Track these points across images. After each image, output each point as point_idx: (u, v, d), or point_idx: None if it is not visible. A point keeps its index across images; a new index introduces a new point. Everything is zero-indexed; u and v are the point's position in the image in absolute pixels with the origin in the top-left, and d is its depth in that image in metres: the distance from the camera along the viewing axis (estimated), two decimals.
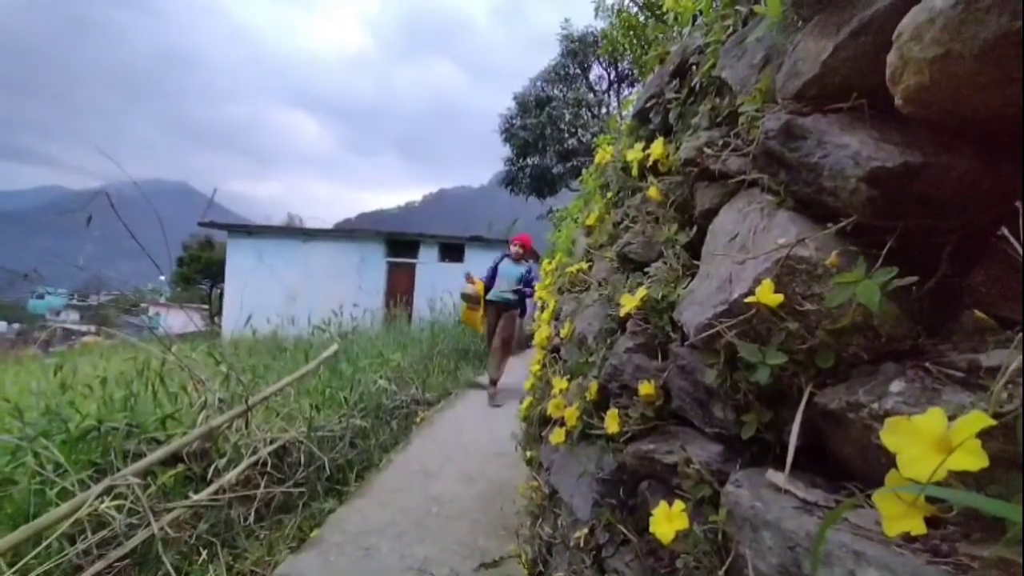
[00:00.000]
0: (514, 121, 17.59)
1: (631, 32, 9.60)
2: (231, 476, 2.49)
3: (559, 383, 1.71)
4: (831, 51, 0.74)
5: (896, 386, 0.63)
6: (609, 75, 17.70)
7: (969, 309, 0.64)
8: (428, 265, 14.29)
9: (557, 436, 1.60)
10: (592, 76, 18.09)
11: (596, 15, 10.63)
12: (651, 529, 0.91)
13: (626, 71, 16.45)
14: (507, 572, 2.14)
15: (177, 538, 2.15)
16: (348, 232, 16.16)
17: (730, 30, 1.23)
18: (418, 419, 4.63)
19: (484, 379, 6.08)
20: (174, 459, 2.41)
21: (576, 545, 1.39)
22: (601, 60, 16.88)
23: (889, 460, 0.53)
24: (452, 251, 14.41)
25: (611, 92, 17.88)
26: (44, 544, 1.79)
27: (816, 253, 0.75)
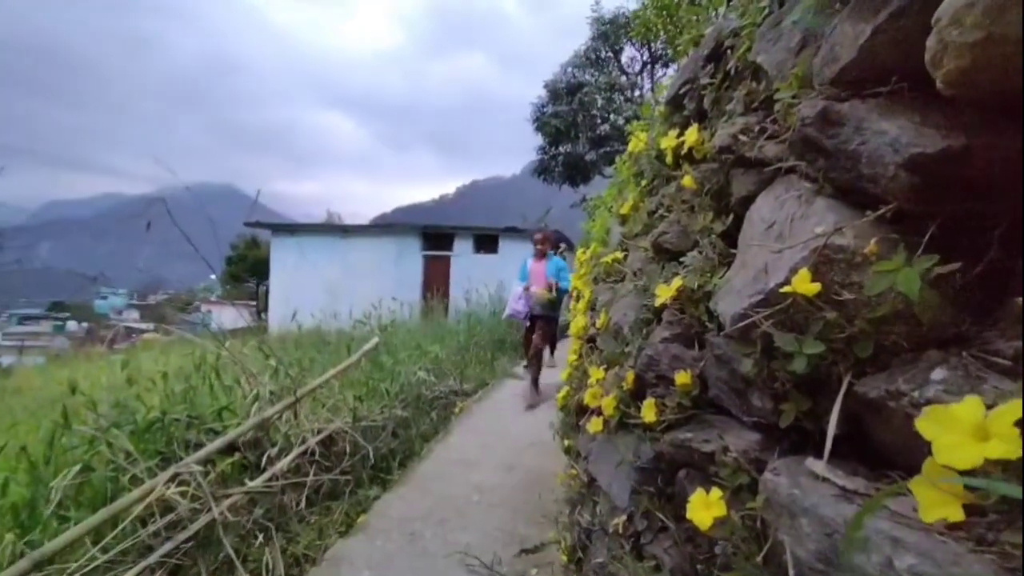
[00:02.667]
0: (545, 109, 17.43)
1: (664, 12, 9.34)
2: (283, 464, 2.62)
3: (596, 373, 1.73)
4: (870, 34, 0.72)
5: (938, 374, 0.62)
6: (642, 56, 17.27)
7: (1016, 296, 0.63)
8: (463, 257, 14.44)
9: (595, 425, 1.62)
10: (624, 58, 17.68)
11: None
12: (688, 516, 0.92)
13: (659, 51, 16.01)
14: (547, 558, 2.19)
15: (235, 522, 2.29)
16: (385, 227, 16.49)
17: (766, 12, 1.20)
18: (457, 409, 4.73)
19: (521, 369, 6.15)
20: (230, 448, 2.56)
21: (615, 532, 1.42)
22: (633, 42, 16.48)
23: (931, 449, 0.53)
24: (486, 242, 14.51)
25: (644, 74, 17.46)
26: (120, 526, 1.94)
27: (855, 241, 0.74)
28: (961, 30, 0.54)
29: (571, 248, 11.83)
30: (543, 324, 5.35)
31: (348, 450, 3.02)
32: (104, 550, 1.87)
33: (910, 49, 0.68)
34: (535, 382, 5.25)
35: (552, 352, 7.04)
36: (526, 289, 5.27)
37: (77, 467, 2.12)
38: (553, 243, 6.00)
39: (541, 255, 5.47)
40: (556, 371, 5.26)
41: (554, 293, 5.14)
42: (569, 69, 17.49)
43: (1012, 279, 0.66)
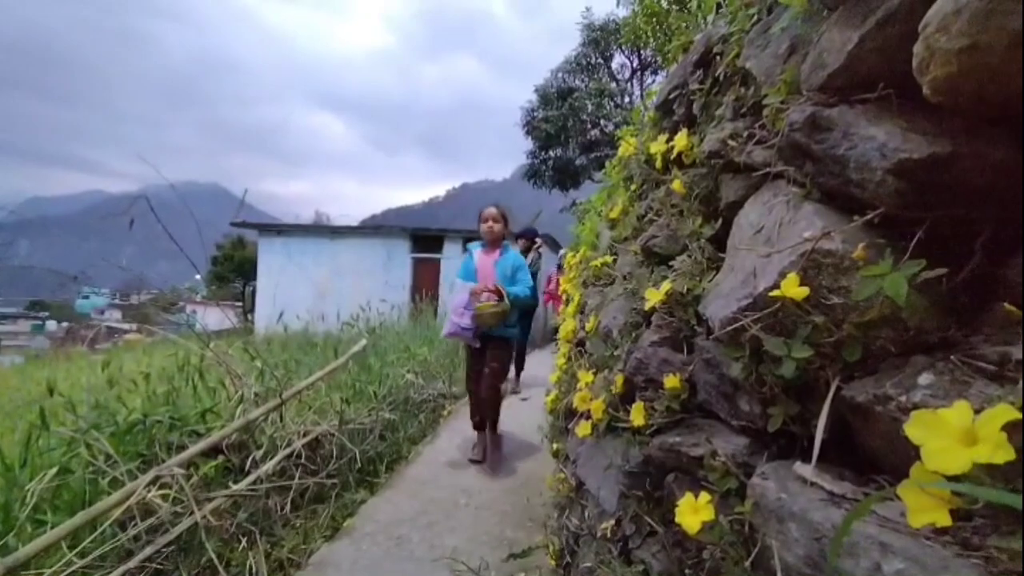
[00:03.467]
0: (536, 114, 17.52)
1: (654, 19, 9.43)
2: (268, 467, 2.58)
3: (585, 376, 1.72)
4: (857, 41, 0.73)
5: (925, 379, 0.62)
6: (632, 63, 17.44)
7: (1002, 301, 0.63)
8: (453, 260, 14.40)
9: (583, 429, 1.62)
10: (614, 65, 17.87)
11: (618, 3, 10.46)
12: (677, 520, 0.92)
13: (649, 58, 16.19)
14: (535, 562, 2.17)
15: (218, 526, 2.24)
16: (374, 229, 16.38)
17: (755, 19, 1.22)
18: (445, 412, 4.70)
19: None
20: (214, 451, 2.52)
21: (603, 536, 1.41)
22: (623, 48, 16.63)
23: (918, 453, 0.53)
24: None
25: (634, 80, 17.62)
26: (99, 530, 1.90)
27: (843, 246, 0.74)
28: (948, 37, 0.55)
29: (558, 247, 11.84)
30: (497, 351, 3.36)
31: (334, 453, 2.98)
32: (82, 555, 1.82)
33: (897, 56, 0.68)
34: (482, 425, 3.47)
35: (519, 374, 5.68)
36: (473, 294, 3.25)
37: (54, 469, 2.06)
38: (524, 235, 4.85)
39: (494, 244, 3.51)
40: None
41: (505, 302, 3.19)
42: (560, 74, 17.62)
43: (997, 284, 0.67)
